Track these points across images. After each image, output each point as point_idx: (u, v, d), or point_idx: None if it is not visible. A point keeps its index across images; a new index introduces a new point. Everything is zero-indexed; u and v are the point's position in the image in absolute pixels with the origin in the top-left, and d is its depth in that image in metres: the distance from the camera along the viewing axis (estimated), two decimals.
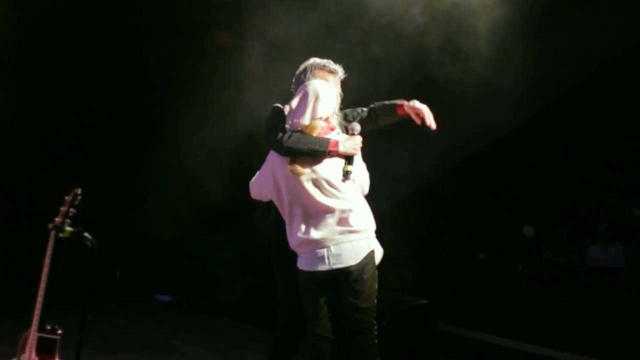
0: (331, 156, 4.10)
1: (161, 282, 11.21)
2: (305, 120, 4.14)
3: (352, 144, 4.13)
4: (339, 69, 4.53)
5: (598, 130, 11.16)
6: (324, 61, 4.54)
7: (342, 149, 4.09)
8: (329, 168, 4.09)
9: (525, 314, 8.03)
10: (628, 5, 10.44)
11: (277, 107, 4.44)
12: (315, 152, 4.07)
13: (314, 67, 4.52)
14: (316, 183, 4.08)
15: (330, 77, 4.48)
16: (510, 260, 9.56)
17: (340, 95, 4.48)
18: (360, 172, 4.22)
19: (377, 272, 4.19)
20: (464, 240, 10.22)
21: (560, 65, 11.45)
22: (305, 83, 4.29)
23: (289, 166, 4.08)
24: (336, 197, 4.08)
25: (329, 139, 4.11)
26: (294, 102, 4.21)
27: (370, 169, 4.33)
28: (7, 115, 11.76)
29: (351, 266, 4.05)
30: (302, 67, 4.56)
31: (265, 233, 4.54)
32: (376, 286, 4.18)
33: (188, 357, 7.23)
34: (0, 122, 11.68)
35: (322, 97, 4.17)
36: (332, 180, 4.08)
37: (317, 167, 4.08)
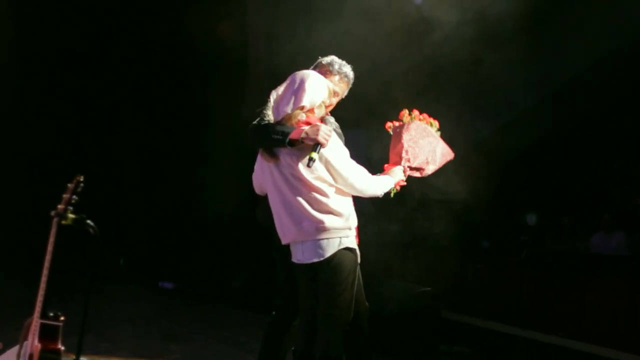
0: (299, 147, 3.95)
1: (165, 269, 11.23)
2: (288, 108, 4.02)
3: (315, 130, 3.91)
4: (346, 73, 4.47)
5: (602, 118, 11.12)
6: (334, 61, 4.49)
7: (303, 135, 3.90)
8: (300, 160, 3.96)
9: (529, 301, 8.03)
10: None
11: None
12: (276, 142, 3.95)
13: (319, 64, 4.50)
14: (285, 174, 4.01)
15: (332, 77, 4.43)
16: (514, 247, 9.54)
17: (336, 94, 4.42)
18: (342, 169, 4.01)
19: (354, 271, 4.11)
20: (466, 228, 10.19)
21: (564, 53, 11.40)
22: (296, 72, 4.18)
23: (260, 154, 4.07)
24: (308, 192, 3.99)
25: (294, 127, 3.96)
26: (280, 89, 4.10)
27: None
28: (11, 109, 11.81)
29: (319, 261, 4.01)
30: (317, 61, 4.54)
31: (267, 222, 4.51)
32: (351, 284, 4.09)
33: (193, 344, 7.24)
34: (5, 116, 11.74)
35: (307, 86, 4.04)
36: (303, 174, 3.97)
37: (288, 159, 3.99)
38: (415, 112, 4.54)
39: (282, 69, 4.56)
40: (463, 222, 10.13)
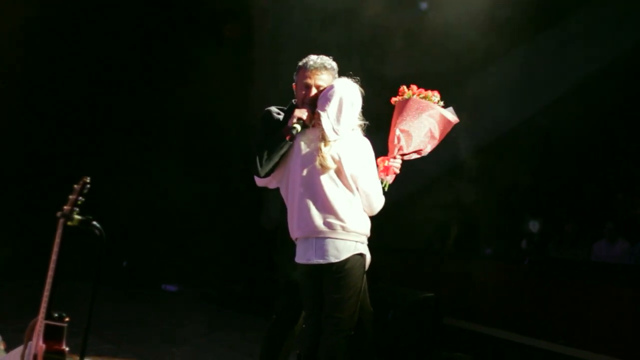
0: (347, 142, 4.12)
1: (168, 272, 11.24)
2: (357, 121, 4.24)
3: (296, 113, 4.18)
4: (323, 64, 4.33)
5: (606, 125, 11.12)
6: (333, 62, 4.37)
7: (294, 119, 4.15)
8: (348, 154, 4.10)
9: (531, 308, 8.02)
10: None
11: (269, 111, 4.41)
12: (282, 142, 4.14)
13: (301, 68, 4.37)
14: (331, 176, 4.10)
15: (327, 74, 4.33)
16: (516, 255, 9.54)
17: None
18: (365, 178, 4.15)
19: (362, 277, 4.15)
20: (470, 235, 10.20)
21: (568, 59, 11.41)
22: (336, 85, 4.20)
23: (319, 157, 4.08)
24: (343, 188, 4.09)
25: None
26: (333, 111, 4.14)
27: None
28: (16, 107, 11.84)
29: (332, 263, 4.05)
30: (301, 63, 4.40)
31: (270, 224, 4.53)
32: (359, 290, 4.14)
33: (193, 347, 7.25)
34: (9, 114, 11.76)
35: (355, 97, 4.20)
36: (339, 178, 4.11)
37: (338, 162, 4.11)
38: (413, 87, 4.52)
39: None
40: (466, 229, 10.15)
